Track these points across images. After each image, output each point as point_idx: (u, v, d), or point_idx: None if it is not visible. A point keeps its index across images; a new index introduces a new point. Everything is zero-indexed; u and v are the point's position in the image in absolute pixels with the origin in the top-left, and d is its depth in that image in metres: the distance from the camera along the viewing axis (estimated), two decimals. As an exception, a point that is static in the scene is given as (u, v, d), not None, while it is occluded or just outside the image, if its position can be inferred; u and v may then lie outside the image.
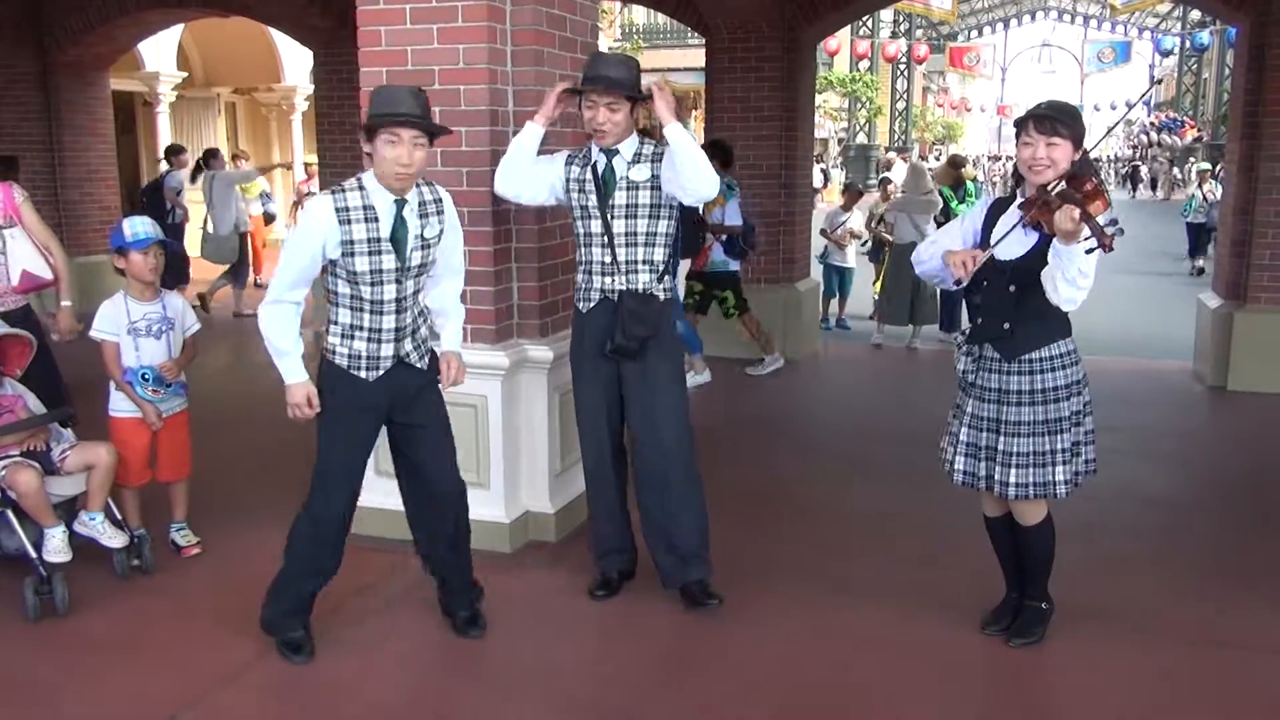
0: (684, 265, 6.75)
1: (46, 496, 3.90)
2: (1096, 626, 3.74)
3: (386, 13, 4.19)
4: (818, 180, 21.92)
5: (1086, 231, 2.94)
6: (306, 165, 13.52)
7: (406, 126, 3.16)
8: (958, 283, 3.29)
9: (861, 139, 39.57)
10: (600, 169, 3.75)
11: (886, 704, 3.27)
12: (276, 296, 3.32)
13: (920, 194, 9.49)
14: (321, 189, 10.07)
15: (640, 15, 28.95)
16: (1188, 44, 39.65)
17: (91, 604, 3.92)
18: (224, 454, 5.67)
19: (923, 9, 34.98)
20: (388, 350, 3.37)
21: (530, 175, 3.87)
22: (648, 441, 3.78)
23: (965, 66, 47.43)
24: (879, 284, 10.37)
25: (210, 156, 10.99)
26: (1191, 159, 39.03)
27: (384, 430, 3.55)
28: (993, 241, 3.28)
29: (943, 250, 3.38)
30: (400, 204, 3.28)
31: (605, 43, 24.34)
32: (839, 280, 10.83)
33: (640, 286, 3.74)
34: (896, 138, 42.03)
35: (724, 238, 7.39)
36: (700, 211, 6.20)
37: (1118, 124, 4.05)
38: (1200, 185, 16.10)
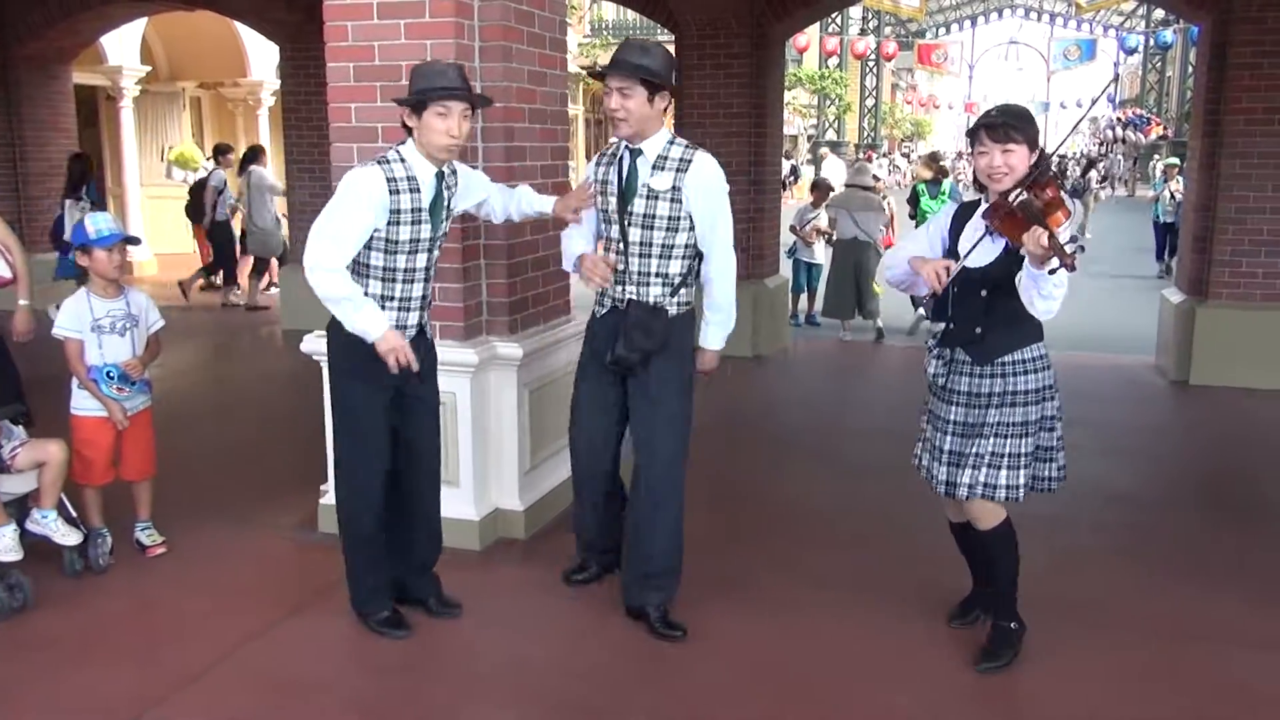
0: None
1: None
2: (1062, 621, 3.78)
3: (353, 8, 4.15)
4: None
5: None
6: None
7: (457, 99, 3.33)
8: (932, 295, 3.26)
9: (831, 136, 39.74)
10: (624, 170, 3.60)
11: (864, 700, 3.29)
12: (330, 265, 3.29)
13: (857, 192, 9.91)
14: (289, 183, 10.05)
15: (609, 11, 28.92)
16: (1151, 42, 40.08)
17: (53, 603, 3.87)
18: (190, 452, 5.62)
19: (891, 6, 35.14)
20: (413, 319, 3.51)
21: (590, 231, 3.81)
22: (641, 462, 3.67)
23: (933, 64, 47.67)
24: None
25: (256, 154, 11.16)
26: (1156, 155, 39.52)
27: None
28: (962, 253, 3.24)
29: (908, 257, 3.35)
30: (440, 176, 3.46)
31: (574, 39, 24.32)
32: (807, 276, 10.91)
33: (651, 299, 3.60)
34: (866, 134, 42.26)
35: None
36: None
37: (1080, 121, 4.02)
38: (1168, 182, 15.12)
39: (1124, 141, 40.65)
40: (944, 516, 3.65)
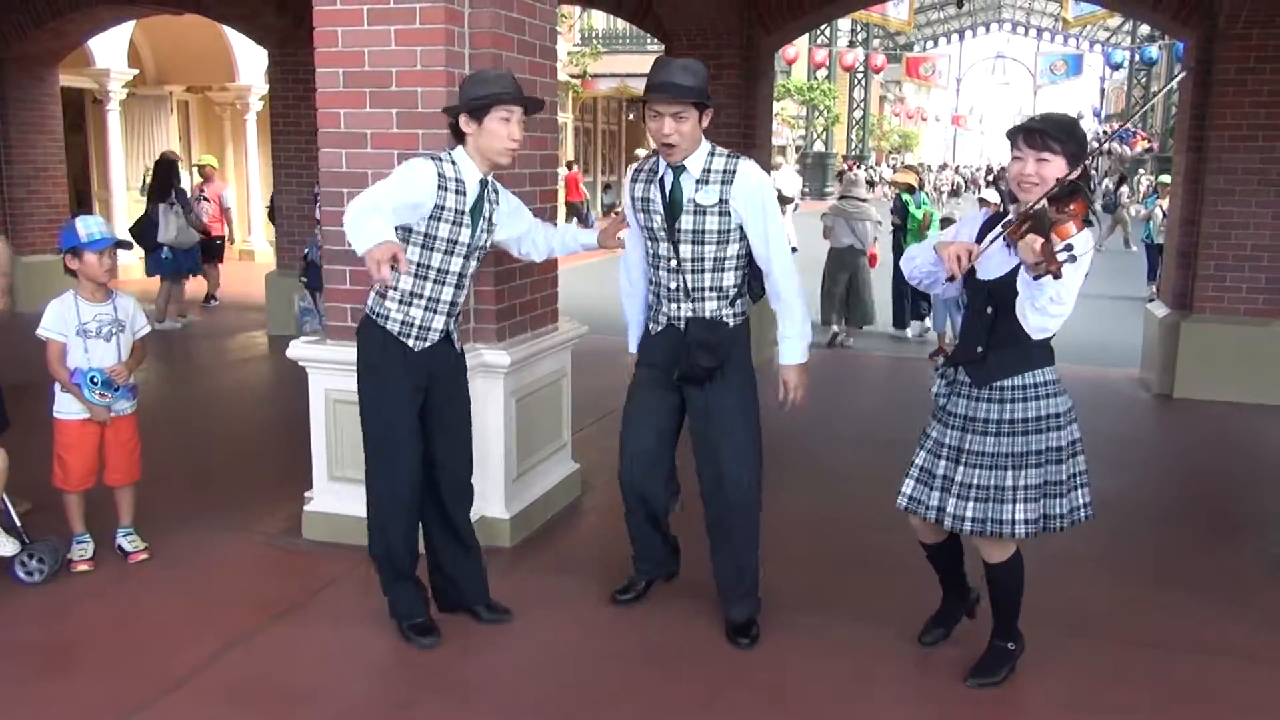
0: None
1: None
2: (1045, 628, 3.78)
3: (343, 13, 4.15)
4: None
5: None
6: (201, 168, 12.47)
7: (518, 104, 3.40)
8: (950, 278, 3.12)
9: (819, 147, 39.90)
10: (668, 187, 3.51)
11: (861, 706, 3.29)
12: (378, 204, 3.19)
13: (852, 203, 10.22)
14: (276, 188, 10.02)
15: (600, 20, 28.95)
16: (1137, 58, 40.40)
17: (34, 610, 3.84)
18: (173, 457, 5.58)
19: (880, 19, 35.30)
20: (439, 323, 3.51)
21: (635, 251, 3.76)
22: (713, 487, 3.61)
23: (921, 77, 47.94)
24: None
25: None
26: (1141, 169, 39.79)
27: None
28: (985, 244, 3.08)
29: (935, 244, 3.22)
30: (485, 182, 3.49)
31: (563, 47, 24.34)
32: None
33: (708, 314, 3.55)
34: (854, 146, 42.44)
35: None
36: None
37: (1113, 138, 3.86)
38: (1160, 199, 14.66)
39: (1110, 155, 40.91)
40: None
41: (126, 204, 14.42)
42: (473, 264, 3.57)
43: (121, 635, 3.70)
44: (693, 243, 3.51)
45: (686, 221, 3.49)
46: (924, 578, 3.64)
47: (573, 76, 25.62)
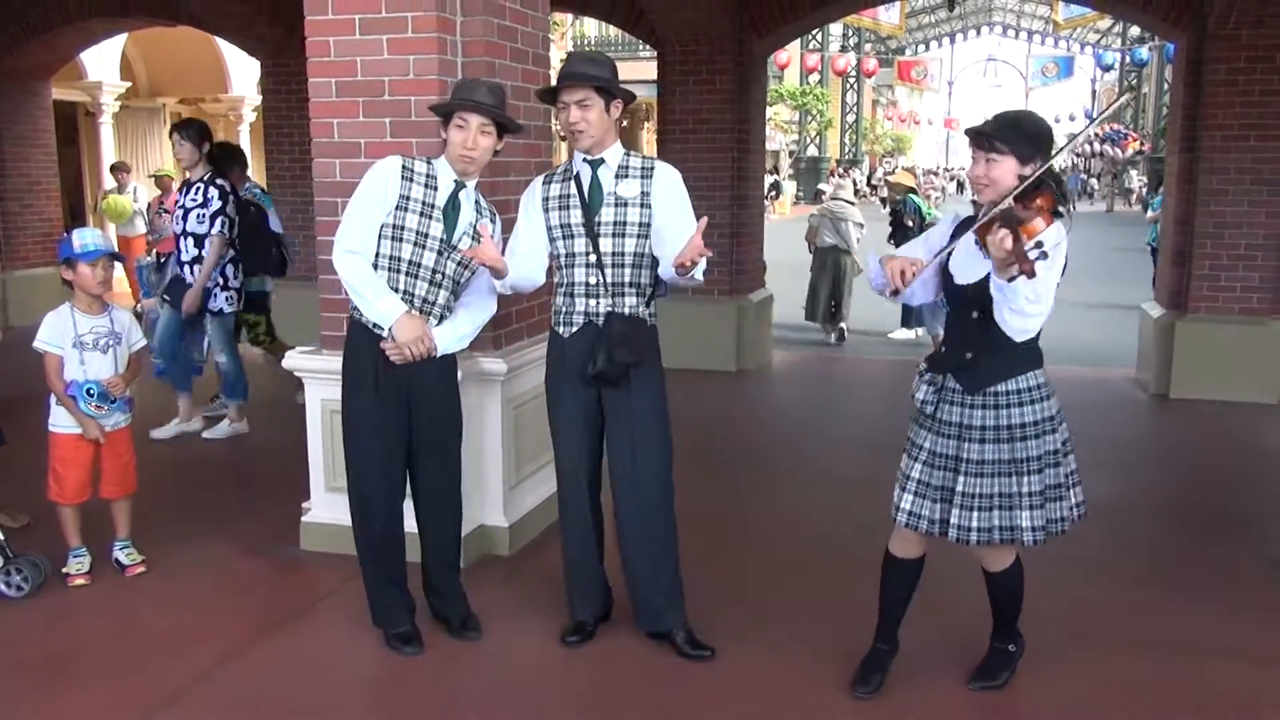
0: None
1: None
2: (1042, 631, 3.78)
3: (335, 23, 4.15)
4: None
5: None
6: (159, 179, 11.60)
7: (474, 112, 3.39)
8: (894, 292, 3.03)
9: (812, 151, 39.97)
10: (585, 182, 3.51)
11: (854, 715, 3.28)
12: (349, 246, 3.42)
13: (835, 204, 10.92)
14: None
15: (592, 28, 29.02)
16: (1128, 59, 40.55)
17: (28, 625, 3.82)
18: (170, 469, 5.57)
19: (871, 23, 35.41)
20: None
21: (531, 255, 3.60)
22: (628, 487, 3.55)
23: (913, 80, 48.12)
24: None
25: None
26: (1134, 169, 39.91)
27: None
28: (940, 256, 3.06)
29: (880, 258, 3.16)
30: (459, 184, 3.50)
31: (556, 54, 24.37)
32: None
33: (627, 310, 3.50)
34: (847, 150, 42.53)
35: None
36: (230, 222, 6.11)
37: (1080, 136, 3.82)
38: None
39: (1101, 156, 41.05)
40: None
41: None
42: (450, 265, 3.50)
43: (119, 648, 3.68)
44: (613, 235, 3.49)
45: (607, 214, 3.48)
46: (927, 578, 3.62)
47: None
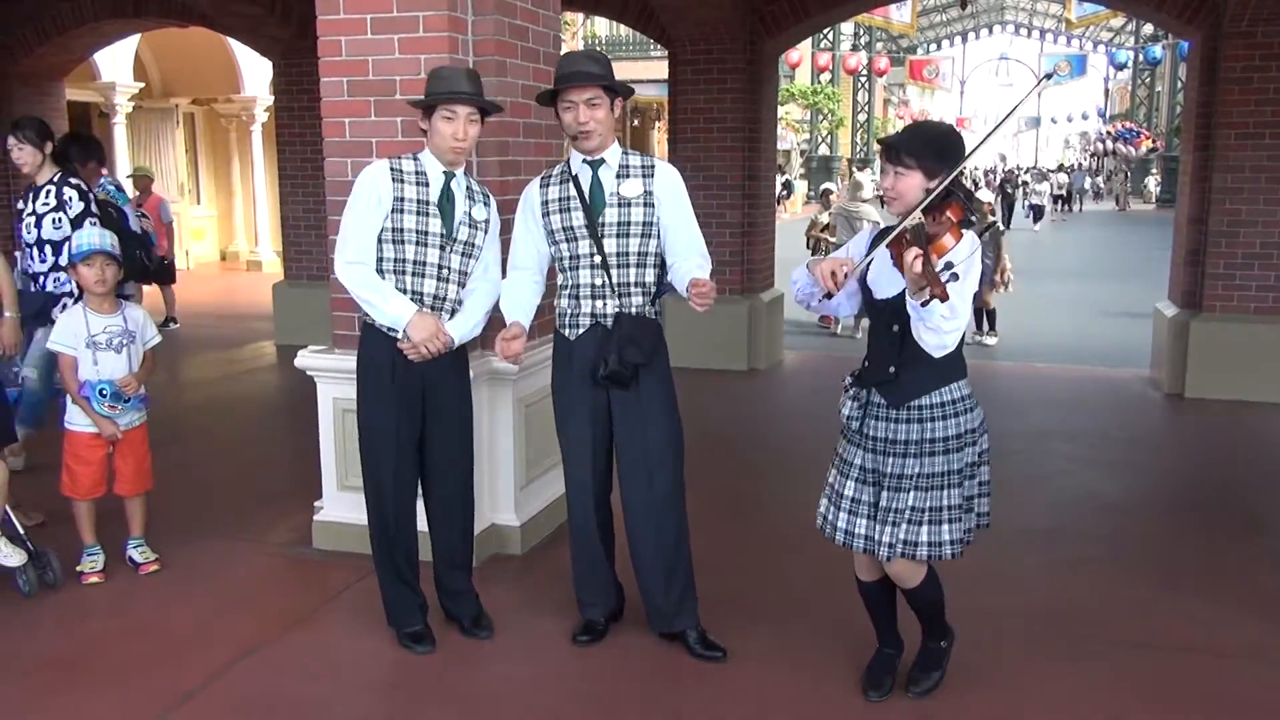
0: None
1: None
2: (1056, 631, 3.77)
3: (347, 23, 4.16)
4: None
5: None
6: (136, 179, 10.86)
7: (462, 103, 3.40)
8: (827, 295, 3.00)
9: (823, 150, 39.89)
10: (585, 183, 3.49)
11: (862, 715, 3.27)
12: (349, 258, 3.47)
13: (851, 204, 10.90)
14: (283, 199, 10.03)
15: (603, 27, 29.03)
16: (1141, 57, 40.38)
17: (44, 622, 3.84)
18: (183, 468, 5.58)
19: (883, 22, 35.31)
20: None
21: (537, 270, 3.63)
22: (639, 487, 3.52)
23: (925, 79, 47.98)
24: None
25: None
26: (1149, 168, 39.72)
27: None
28: (859, 266, 3.00)
29: (808, 263, 3.12)
30: (449, 175, 3.51)
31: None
32: None
33: (634, 310, 3.48)
34: (858, 150, 42.42)
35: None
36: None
37: (992, 132, 3.63)
38: None
39: (1114, 155, 40.87)
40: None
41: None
42: (455, 258, 3.53)
43: (132, 647, 3.70)
44: (617, 236, 3.47)
45: (610, 215, 3.46)
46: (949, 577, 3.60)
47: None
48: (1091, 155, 44.39)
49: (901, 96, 59.70)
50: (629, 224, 3.47)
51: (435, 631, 3.68)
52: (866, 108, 43.75)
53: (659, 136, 29.32)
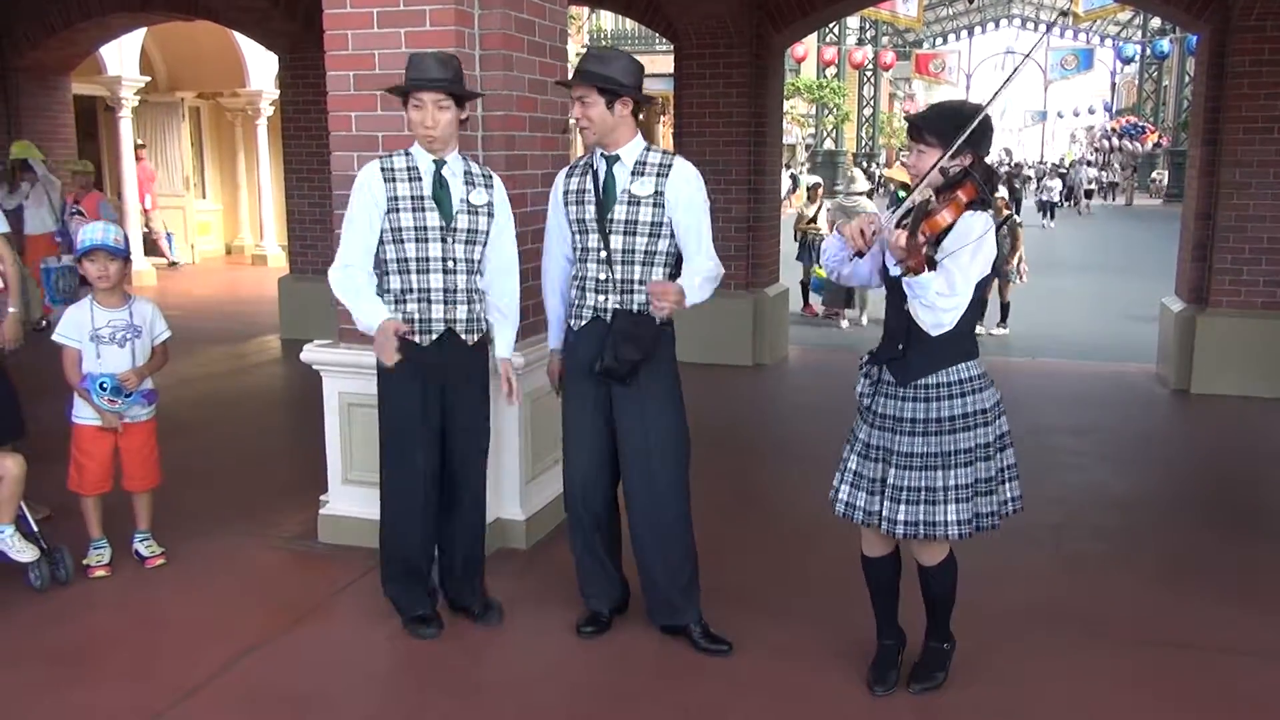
0: None
1: None
2: (1063, 627, 3.77)
3: (353, 16, 4.15)
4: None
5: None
6: (76, 173, 9.83)
7: (426, 90, 3.38)
8: (858, 254, 3.00)
9: (829, 145, 39.82)
10: (601, 178, 3.52)
11: (867, 709, 3.27)
12: (344, 261, 3.51)
13: (848, 199, 11.18)
14: (289, 193, 10.03)
15: (609, 21, 28.98)
16: (1148, 51, 40.22)
17: (50, 616, 3.85)
18: (188, 461, 5.59)
19: (889, 16, 35.27)
20: (438, 312, 3.51)
21: (560, 248, 3.68)
22: (641, 480, 3.55)
23: (931, 73, 47.84)
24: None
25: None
26: (1155, 163, 39.59)
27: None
28: (888, 221, 2.97)
29: (836, 226, 3.17)
30: (439, 164, 3.49)
31: (572, 48, 24.34)
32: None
33: (635, 307, 3.49)
34: (863, 144, 42.36)
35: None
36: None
37: (1004, 85, 3.52)
38: None
39: (1120, 150, 40.76)
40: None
41: (139, 211, 14.47)
42: (459, 247, 3.52)
43: (139, 641, 3.71)
44: (624, 234, 3.49)
45: (619, 212, 3.48)
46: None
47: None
48: (1095, 150, 44.22)
49: (907, 91, 59.53)
50: (636, 222, 3.48)
51: (444, 620, 3.72)
52: (872, 102, 43.67)
53: (664, 130, 29.28)
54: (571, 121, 3.69)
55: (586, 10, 24.10)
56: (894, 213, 3.00)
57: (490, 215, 3.59)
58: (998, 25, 44.59)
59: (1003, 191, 9.55)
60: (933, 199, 2.86)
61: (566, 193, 3.59)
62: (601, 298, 3.52)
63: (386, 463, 3.61)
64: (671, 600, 3.63)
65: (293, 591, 4.11)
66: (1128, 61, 43.99)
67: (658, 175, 3.49)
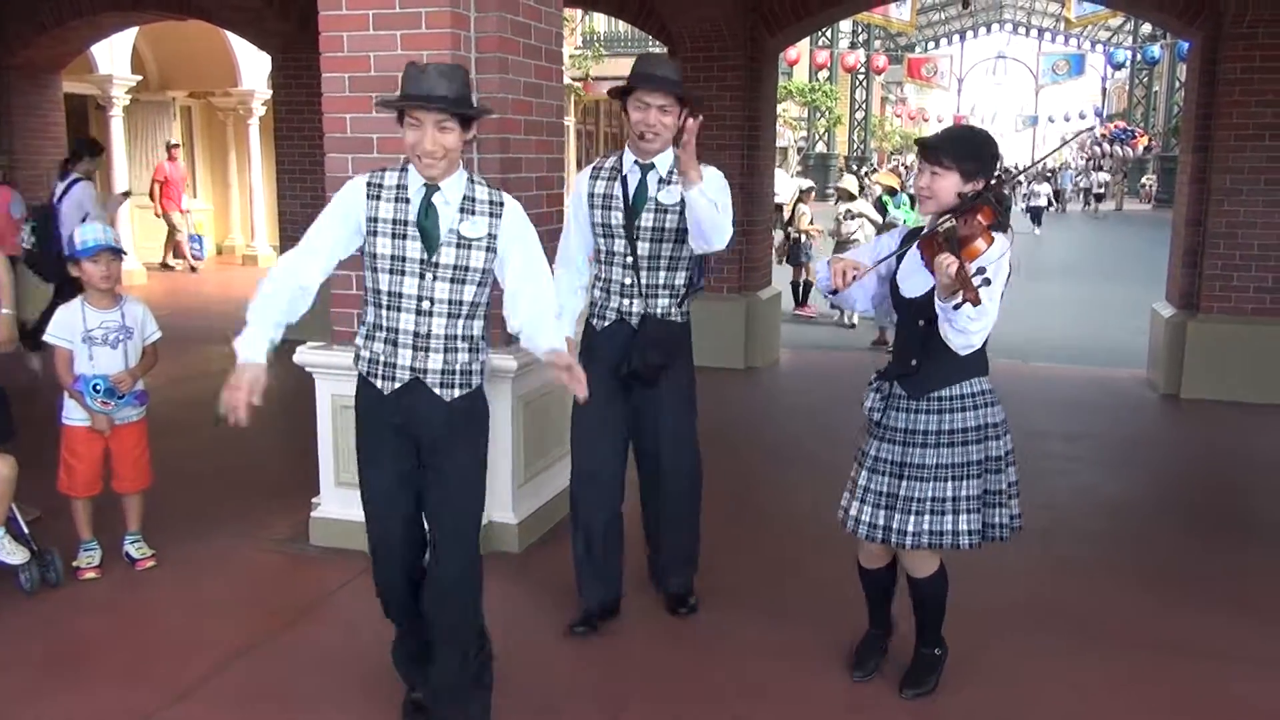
0: None
1: None
2: (1048, 631, 3.78)
3: (348, 18, 4.15)
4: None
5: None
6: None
7: (427, 110, 2.79)
8: (833, 291, 3.10)
9: (821, 148, 39.88)
10: (632, 185, 3.54)
11: (864, 708, 3.27)
12: (288, 255, 3.00)
13: (841, 205, 11.52)
14: (280, 193, 10.00)
15: (602, 23, 28.96)
16: (1139, 57, 40.38)
17: (40, 618, 3.83)
18: (180, 463, 5.57)
19: (881, 20, 35.29)
20: (404, 358, 2.90)
21: (582, 239, 3.68)
22: (656, 477, 3.75)
23: (923, 77, 47.93)
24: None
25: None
26: (1146, 169, 39.75)
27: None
28: (879, 265, 3.13)
29: (829, 259, 3.22)
30: (430, 189, 2.88)
31: (566, 50, 24.34)
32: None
33: (659, 311, 3.60)
34: (855, 147, 42.41)
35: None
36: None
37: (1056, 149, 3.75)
38: None
39: (1110, 156, 40.88)
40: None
41: (129, 210, 14.41)
42: (440, 286, 2.88)
43: (129, 643, 3.69)
44: (651, 240, 3.55)
45: (647, 219, 3.54)
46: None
47: (575, 79, 25.63)
48: (1087, 158, 44.39)
49: (899, 94, 59.68)
50: (664, 229, 3.56)
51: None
52: (864, 105, 43.72)
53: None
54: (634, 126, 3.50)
55: (579, 13, 24.10)
56: (901, 247, 3.08)
57: (489, 250, 2.92)
58: (989, 30, 44.68)
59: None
60: (958, 224, 2.88)
61: (592, 195, 3.61)
62: (627, 301, 3.61)
63: (369, 537, 3.08)
64: (674, 559, 3.86)
65: (284, 594, 4.10)
66: (1119, 67, 44.17)
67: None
